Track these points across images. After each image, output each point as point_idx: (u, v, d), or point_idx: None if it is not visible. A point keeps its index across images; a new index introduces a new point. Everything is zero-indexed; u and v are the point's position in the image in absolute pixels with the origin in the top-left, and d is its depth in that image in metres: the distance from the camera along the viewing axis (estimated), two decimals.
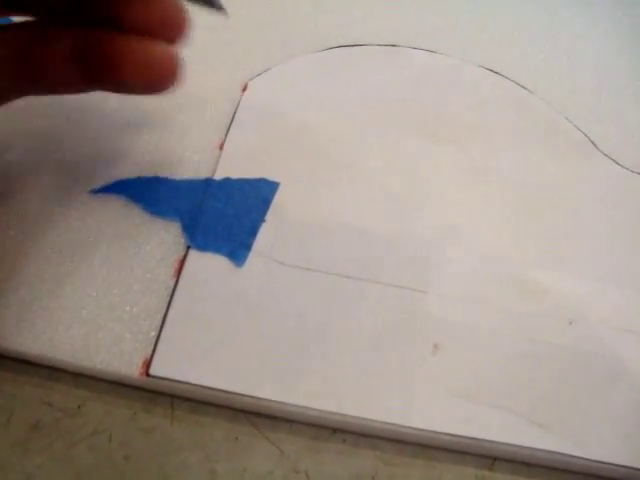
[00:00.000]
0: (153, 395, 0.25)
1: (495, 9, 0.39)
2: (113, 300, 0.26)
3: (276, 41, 0.35)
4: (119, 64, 0.21)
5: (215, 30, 0.34)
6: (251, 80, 0.33)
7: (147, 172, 0.29)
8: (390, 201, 0.30)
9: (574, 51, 0.37)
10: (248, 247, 0.27)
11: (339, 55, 0.35)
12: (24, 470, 0.23)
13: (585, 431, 0.24)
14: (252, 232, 0.27)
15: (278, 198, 0.29)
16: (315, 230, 0.28)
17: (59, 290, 0.26)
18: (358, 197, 0.29)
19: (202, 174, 0.29)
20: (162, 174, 0.29)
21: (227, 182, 0.29)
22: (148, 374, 0.24)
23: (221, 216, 0.28)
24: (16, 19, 0.22)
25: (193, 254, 0.27)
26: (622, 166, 0.32)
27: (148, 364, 0.24)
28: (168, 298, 0.26)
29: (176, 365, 0.24)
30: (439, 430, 0.24)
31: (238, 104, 0.32)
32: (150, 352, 0.25)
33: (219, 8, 0.23)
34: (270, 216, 0.28)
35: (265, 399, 0.24)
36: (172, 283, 0.26)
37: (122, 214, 0.28)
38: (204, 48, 0.33)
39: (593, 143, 0.33)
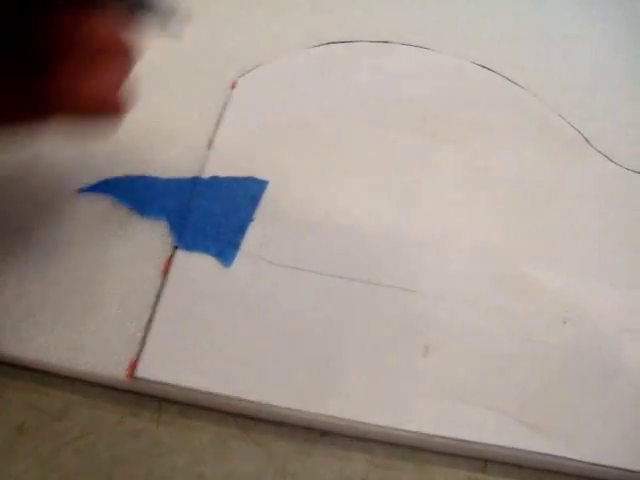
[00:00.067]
0: (140, 398, 0.24)
1: (488, 5, 0.38)
2: (99, 301, 0.26)
3: (266, 38, 0.34)
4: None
5: (203, 27, 0.33)
6: (241, 77, 0.33)
7: (135, 171, 0.29)
8: (381, 199, 0.29)
9: (568, 48, 0.37)
10: (236, 246, 0.27)
11: (330, 52, 0.34)
12: (10, 474, 0.23)
13: (578, 432, 0.24)
14: (240, 231, 0.27)
15: (268, 196, 0.29)
16: (305, 229, 0.28)
17: (44, 291, 0.25)
18: (349, 195, 0.29)
19: (191, 172, 0.29)
20: (150, 173, 0.29)
21: (215, 181, 0.28)
22: (134, 376, 0.24)
23: (209, 215, 0.27)
24: None
25: (181, 254, 0.27)
26: (616, 163, 0.32)
27: (134, 366, 0.24)
28: (155, 299, 0.26)
29: (163, 367, 0.24)
30: (430, 432, 0.24)
31: (227, 102, 0.32)
32: (137, 354, 0.24)
33: (174, 33, 0.22)
34: (259, 215, 0.28)
35: (253, 401, 0.24)
36: (159, 283, 0.26)
37: (109, 213, 0.28)
38: (193, 45, 0.33)
39: (587, 140, 0.32)
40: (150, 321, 0.25)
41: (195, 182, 0.28)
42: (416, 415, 0.24)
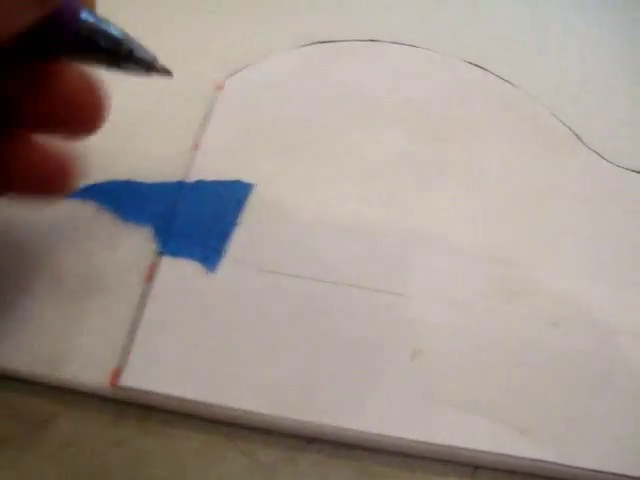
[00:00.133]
0: (124, 406, 0.24)
1: (478, 3, 0.38)
2: (82, 307, 0.25)
3: (252, 38, 0.34)
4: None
5: (189, 28, 0.33)
6: (227, 78, 0.32)
7: (119, 175, 0.28)
8: (369, 202, 0.29)
9: (559, 45, 0.36)
10: (221, 252, 0.26)
11: (318, 51, 0.34)
12: None
13: (570, 438, 0.24)
14: (225, 236, 0.27)
15: (254, 200, 0.28)
16: (292, 233, 0.27)
17: (24, 299, 0.25)
18: (336, 198, 0.29)
19: (176, 176, 0.29)
20: (135, 177, 0.28)
21: (200, 184, 0.28)
22: (118, 385, 0.23)
23: (194, 220, 0.27)
24: None
25: (165, 260, 0.26)
26: (608, 161, 0.31)
27: (118, 374, 0.24)
28: (139, 306, 0.25)
29: (147, 375, 0.24)
30: (418, 439, 0.23)
31: (214, 103, 0.31)
32: (120, 362, 0.24)
33: (163, 71, 0.22)
34: (245, 219, 0.28)
35: (239, 409, 0.23)
36: (144, 290, 0.26)
37: (92, 219, 0.27)
38: (178, 46, 0.33)
39: (579, 138, 0.32)
40: (134, 328, 0.25)
41: (180, 186, 0.28)
42: (403, 421, 0.23)
